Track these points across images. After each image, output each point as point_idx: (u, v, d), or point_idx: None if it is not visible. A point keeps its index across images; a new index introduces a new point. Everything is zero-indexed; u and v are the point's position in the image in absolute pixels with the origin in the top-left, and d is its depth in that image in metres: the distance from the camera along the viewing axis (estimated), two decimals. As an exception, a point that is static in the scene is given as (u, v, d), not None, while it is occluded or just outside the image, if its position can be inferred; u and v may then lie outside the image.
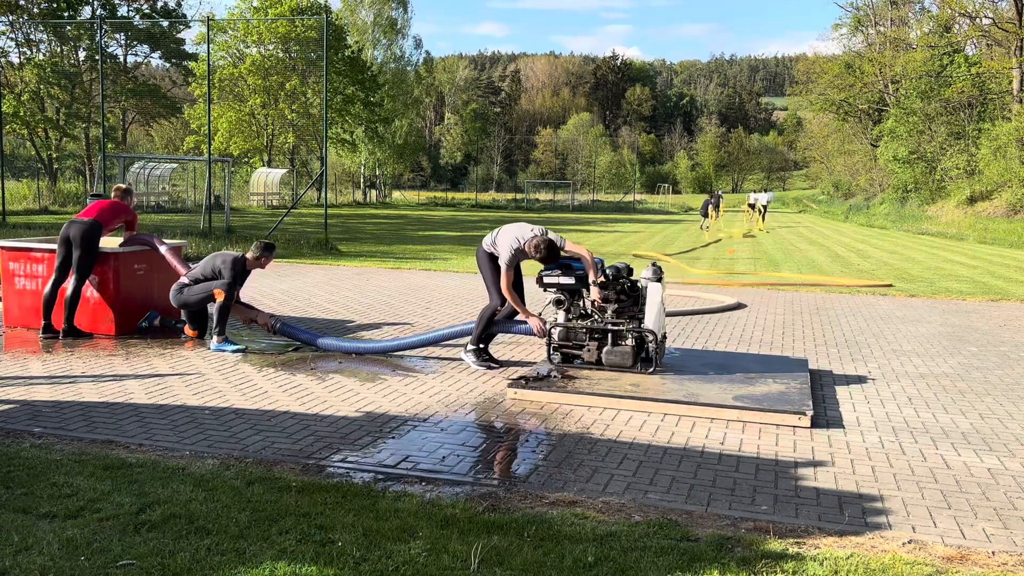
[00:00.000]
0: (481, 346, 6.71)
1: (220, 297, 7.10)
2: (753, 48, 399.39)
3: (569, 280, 6.42)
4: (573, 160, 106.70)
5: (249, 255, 7.33)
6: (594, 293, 6.32)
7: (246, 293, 8.82)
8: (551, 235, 6.45)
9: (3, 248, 8.01)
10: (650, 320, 6.24)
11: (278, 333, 7.32)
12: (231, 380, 6.08)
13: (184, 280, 7.35)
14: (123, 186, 8.09)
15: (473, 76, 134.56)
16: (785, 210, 64.35)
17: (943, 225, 32.67)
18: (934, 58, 43.28)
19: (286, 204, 39.82)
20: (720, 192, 37.73)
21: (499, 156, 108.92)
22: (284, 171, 46.78)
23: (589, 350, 6.30)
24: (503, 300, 6.59)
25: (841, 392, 6.16)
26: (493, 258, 6.66)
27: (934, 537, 3.60)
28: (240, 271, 7.22)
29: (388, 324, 8.68)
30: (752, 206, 37.92)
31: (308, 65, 45.34)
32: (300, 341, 7.28)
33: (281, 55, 45.00)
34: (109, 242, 7.72)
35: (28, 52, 40.44)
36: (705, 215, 31.50)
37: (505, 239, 6.54)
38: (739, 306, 10.45)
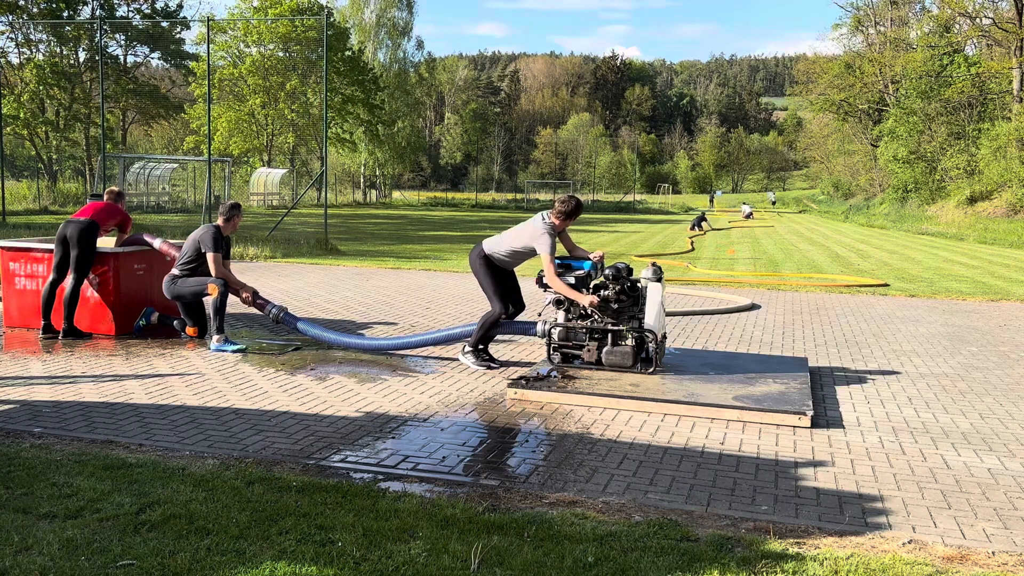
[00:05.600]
0: (480, 347, 6.70)
1: (214, 292, 7.11)
2: (752, 48, 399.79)
3: (569, 280, 6.42)
4: (573, 160, 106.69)
5: (220, 221, 7.41)
6: (584, 299, 6.21)
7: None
8: None
9: (3, 248, 8.01)
10: (650, 320, 6.24)
11: (279, 322, 7.34)
12: (231, 380, 6.08)
13: (175, 272, 7.37)
14: (116, 189, 8.09)
15: (473, 76, 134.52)
16: (785, 210, 64.36)
17: (943, 225, 32.68)
18: (934, 58, 43.27)
19: (286, 204, 39.81)
20: (704, 212, 39.01)
21: (499, 156, 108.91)
22: (284, 171, 46.79)
23: (589, 350, 6.29)
24: (505, 307, 6.56)
25: (841, 392, 6.16)
26: (490, 263, 6.62)
27: (934, 537, 3.60)
28: (219, 237, 7.29)
29: (388, 324, 8.68)
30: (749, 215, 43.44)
31: (308, 65, 45.34)
32: (297, 330, 7.30)
33: (281, 55, 45.00)
34: (102, 243, 7.71)
35: (28, 52, 40.45)
36: (693, 227, 30.73)
37: (523, 235, 6.49)
38: (753, 307, 10.46)
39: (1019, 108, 34.96)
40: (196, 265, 7.33)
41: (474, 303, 10.10)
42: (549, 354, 6.48)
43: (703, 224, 31.06)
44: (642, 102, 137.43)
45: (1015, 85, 36.61)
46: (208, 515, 3.56)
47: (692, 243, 23.65)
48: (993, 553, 3.45)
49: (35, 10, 39.43)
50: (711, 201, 67.74)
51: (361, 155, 56.15)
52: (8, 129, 36.51)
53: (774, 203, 69.38)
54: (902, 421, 5.41)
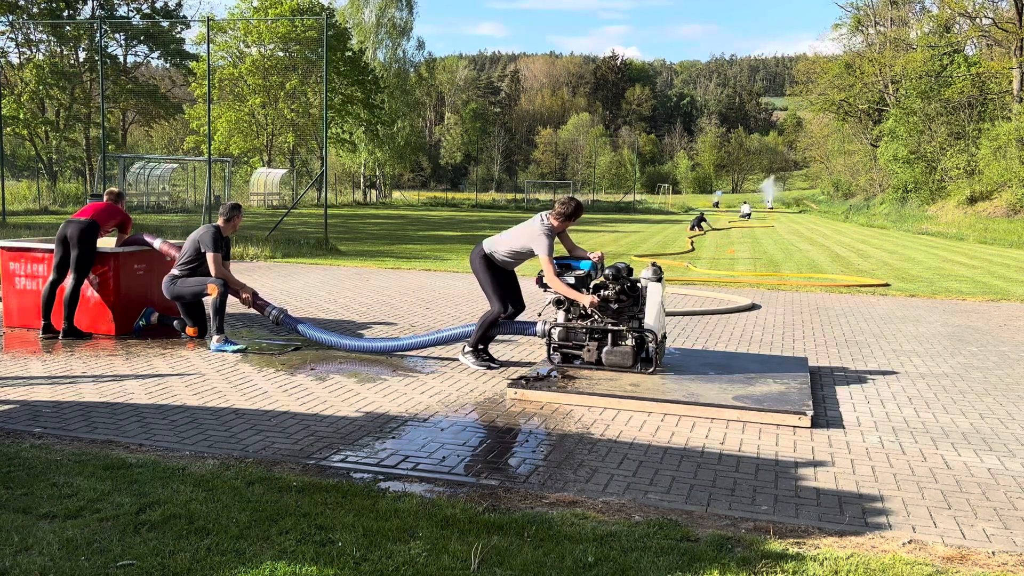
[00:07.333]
0: (480, 347, 6.70)
1: (214, 293, 7.11)
2: (752, 48, 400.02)
3: (568, 280, 6.42)
4: (573, 160, 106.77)
5: (220, 222, 7.42)
6: (584, 299, 6.24)
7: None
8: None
9: (3, 248, 8.01)
10: (650, 320, 6.24)
11: (279, 324, 7.33)
12: (231, 380, 6.08)
13: (175, 272, 7.38)
14: (115, 190, 8.08)
15: (473, 76, 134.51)
16: (785, 210, 64.37)
17: (943, 225, 32.69)
18: (934, 58, 43.28)
19: (286, 204, 39.81)
20: (703, 212, 39.76)
21: (499, 156, 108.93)
22: (284, 171, 46.81)
23: (589, 350, 6.29)
24: (504, 307, 6.56)
25: (841, 392, 6.16)
26: (490, 263, 6.62)
27: (934, 537, 3.60)
28: (219, 238, 7.29)
29: (388, 324, 8.68)
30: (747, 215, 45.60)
31: (308, 65, 45.36)
32: (297, 332, 7.30)
33: (281, 55, 45.02)
34: (102, 244, 7.71)
35: (28, 52, 40.47)
36: (692, 227, 30.58)
37: (523, 235, 6.49)
38: (753, 307, 10.47)
39: (1019, 108, 34.96)
40: (196, 265, 7.33)
41: (474, 303, 10.10)
42: (549, 354, 6.48)
43: (703, 224, 31.08)
44: (642, 102, 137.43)
45: (1015, 85, 36.62)
46: (208, 515, 3.56)
47: (692, 243, 23.65)
48: (993, 553, 3.45)
49: (35, 10, 39.44)
50: (716, 204, 67.87)
51: (361, 155, 56.17)
52: (8, 129, 36.51)
53: (771, 208, 69.42)
54: (902, 421, 5.41)
